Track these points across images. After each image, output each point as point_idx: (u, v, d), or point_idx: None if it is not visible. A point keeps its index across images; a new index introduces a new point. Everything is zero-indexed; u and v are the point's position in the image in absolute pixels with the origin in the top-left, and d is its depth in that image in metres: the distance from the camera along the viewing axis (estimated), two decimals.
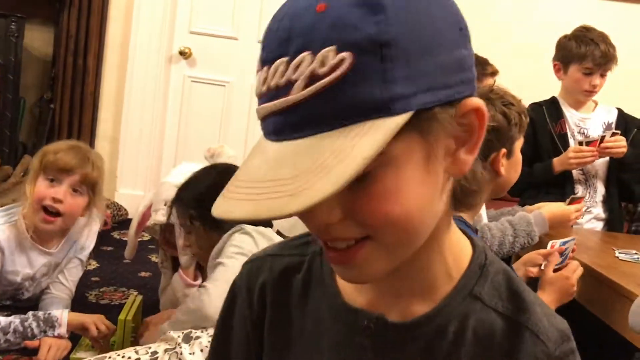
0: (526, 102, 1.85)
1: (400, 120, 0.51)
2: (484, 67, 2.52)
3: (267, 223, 1.81)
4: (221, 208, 0.54)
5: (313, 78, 0.51)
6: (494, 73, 2.55)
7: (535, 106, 2.66)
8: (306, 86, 0.51)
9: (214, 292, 1.57)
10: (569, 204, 2.11)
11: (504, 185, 1.55)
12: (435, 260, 0.64)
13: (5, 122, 3.56)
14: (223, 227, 1.70)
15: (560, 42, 2.64)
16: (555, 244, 1.76)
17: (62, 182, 2.03)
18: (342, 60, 0.50)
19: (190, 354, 1.52)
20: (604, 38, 2.55)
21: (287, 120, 0.53)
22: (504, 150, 1.47)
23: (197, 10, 3.85)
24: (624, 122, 2.70)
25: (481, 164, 1.45)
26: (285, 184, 0.50)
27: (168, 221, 2.08)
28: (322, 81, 0.51)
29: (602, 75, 2.57)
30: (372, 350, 0.65)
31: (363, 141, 0.50)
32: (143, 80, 3.81)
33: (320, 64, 0.51)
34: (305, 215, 0.55)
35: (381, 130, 0.51)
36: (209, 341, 1.48)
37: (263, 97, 0.55)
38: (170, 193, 2.14)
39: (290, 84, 0.52)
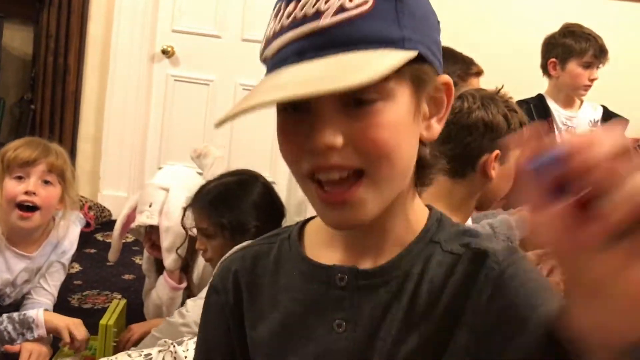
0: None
1: (409, 54, 0.62)
2: (469, 66, 2.50)
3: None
4: (274, 93, 0.61)
5: (341, 10, 0.61)
6: (479, 73, 2.53)
7: (523, 104, 2.66)
8: (334, 15, 0.61)
9: (192, 310, 1.61)
10: None
11: (493, 194, 1.51)
12: (401, 218, 0.72)
13: None
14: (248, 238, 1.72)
15: (553, 40, 2.64)
16: None
17: (30, 175, 1.98)
18: (365, 1, 0.61)
19: (184, 351, 1.52)
20: (595, 34, 2.59)
21: (312, 43, 0.61)
22: (497, 152, 1.44)
23: (179, 8, 3.81)
24: (609, 120, 2.71)
25: (472, 166, 1.44)
26: (329, 74, 0.59)
27: (151, 223, 2.06)
28: (350, 12, 0.61)
29: (597, 69, 2.60)
30: (349, 299, 0.71)
31: (384, 58, 0.61)
32: (125, 80, 3.76)
33: (348, 0, 0.61)
34: (311, 137, 0.63)
35: (396, 56, 0.61)
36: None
37: (283, 29, 0.63)
38: (156, 195, 2.12)
39: (319, 13, 0.61)
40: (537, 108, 2.64)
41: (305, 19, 0.62)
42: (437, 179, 0.85)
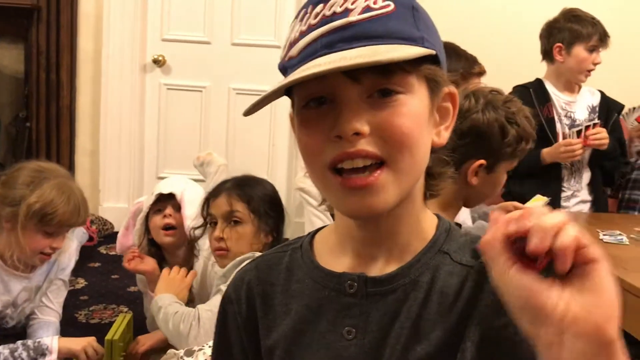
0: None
1: (429, 51, 0.67)
2: (472, 65, 2.48)
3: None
4: (313, 69, 0.63)
5: (367, 9, 0.66)
6: (481, 73, 2.51)
7: (522, 89, 2.66)
8: (361, 13, 0.66)
9: (204, 326, 1.61)
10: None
11: (476, 198, 1.50)
12: (410, 225, 0.74)
13: None
14: (279, 237, 1.78)
15: (558, 25, 2.64)
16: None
17: (60, 233, 1.99)
18: (388, 4, 0.67)
19: None
20: (597, 18, 2.62)
21: (342, 36, 0.66)
22: (481, 162, 1.40)
23: (168, 17, 3.81)
24: (606, 105, 2.72)
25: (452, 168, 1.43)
26: (365, 54, 0.64)
27: (171, 191, 2.14)
28: (375, 11, 0.66)
29: (599, 53, 2.62)
30: (358, 306, 0.73)
31: (410, 48, 0.66)
32: (118, 91, 3.77)
33: (373, 2, 0.66)
34: (338, 124, 0.66)
35: (419, 49, 0.66)
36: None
37: (311, 27, 0.67)
38: (175, 183, 2.19)
39: (347, 11, 0.66)
40: (536, 93, 2.64)
41: (334, 16, 0.66)
42: None
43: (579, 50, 2.60)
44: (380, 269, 0.74)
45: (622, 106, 2.76)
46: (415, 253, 0.73)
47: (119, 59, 3.74)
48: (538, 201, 2.06)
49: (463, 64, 2.43)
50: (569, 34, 2.61)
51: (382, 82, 0.66)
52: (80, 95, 3.80)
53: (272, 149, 3.92)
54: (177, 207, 2.16)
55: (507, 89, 1.92)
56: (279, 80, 0.68)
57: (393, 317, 0.71)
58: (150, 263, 2.14)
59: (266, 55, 3.79)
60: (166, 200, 2.18)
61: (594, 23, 2.60)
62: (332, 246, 0.78)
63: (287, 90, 0.71)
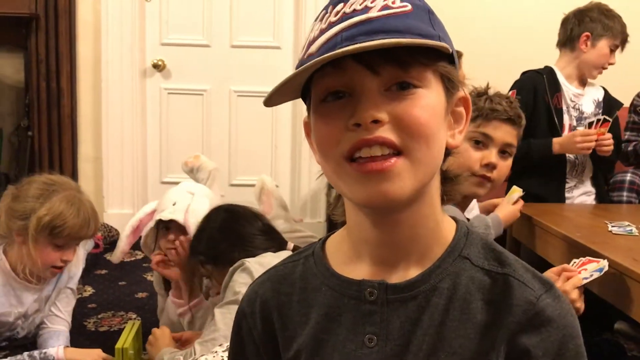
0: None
1: (446, 46, 0.67)
2: None
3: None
4: (337, 51, 0.64)
5: (386, 7, 0.67)
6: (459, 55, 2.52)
7: (535, 74, 2.65)
8: (381, 11, 0.67)
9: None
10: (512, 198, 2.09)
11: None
12: (428, 230, 0.73)
13: None
14: (233, 260, 1.70)
15: (591, 15, 2.62)
16: (585, 268, 1.61)
17: (71, 245, 2.00)
18: (405, 5, 0.68)
19: None
20: None
21: (363, 30, 0.66)
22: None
23: (166, 21, 3.80)
24: (608, 102, 2.71)
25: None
26: (388, 39, 0.64)
27: (172, 217, 2.01)
28: (394, 9, 0.67)
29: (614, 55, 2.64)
30: (379, 313, 0.72)
31: (428, 41, 0.66)
32: (119, 97, 3.76)
33: (392, 2, 0.68)
34: (357, 112, 0.67)
35: (437, 42, 0.67)
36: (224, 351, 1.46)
37: (332, 24, 0.68)
38: (181, 196, 2.07)
39: (367, 8, 0.67)
40: (549, 81, 2.63)
41: (354, 13, 0.67)
42: None
43: (603, 45, 2.60)
44: (400, 275, 0.73)
45: (621, 104, 2.76)
46: (435, 258, 0.73)
47: (119, 65, 3.74)
48: (515, 193, 2.09)
49: None
50: (601, 27, 2.60)
51: (400, 74, 0.67)
52: (81, 102, 3.79)
53: (274, 151, 3.92)
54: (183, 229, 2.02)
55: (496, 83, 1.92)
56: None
57: (414, 324, 0.71)
58: (174, 270, 2.09)
59: (266, 56, 3.78)
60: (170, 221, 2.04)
61: (623, 24, 2.61)
62: (347, 252, 0.77)
63: (303, 93, 0.72)
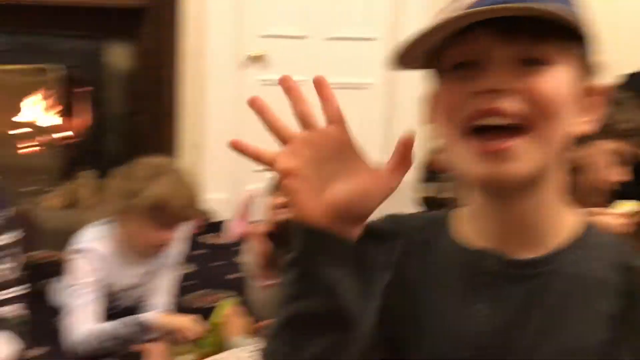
0: None
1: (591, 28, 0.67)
2: None
3: None
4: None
5: None
6: None
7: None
8: None
9: None
10: None
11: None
12: (550, 217, 0.72)
13: (103, 137, 3.77)
14: None
15: None
16: None
17: (174, 225, 2.10)
18: None
19: None
20: None
21: None
22: None
23: (265, 13, 3.90)
24: None
25: None
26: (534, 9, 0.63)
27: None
28: None
29: None
30: (496, 285, 0.72)
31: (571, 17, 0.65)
32: (220, 87, 3.89)
33: None
34: (481, 79, 0.66)
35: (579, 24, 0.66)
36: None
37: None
38: None
39: None
40: None
41: None
42: None
43: None
44: (522, 253, 0.72)
45: None
46: (558, 245, 0.72)
47: (220, 56, 3.87)
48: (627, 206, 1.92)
49: None
50: None
51: (535, 46, 0.66)
52: (185, 91, 3.95)
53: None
54: None
55: None
56: (387, 66, 0.71)
57: (530, 303, 0.70)
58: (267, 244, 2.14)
59: (363, 48, 3.81)
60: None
61: None
62: (473, 224, 0.76)
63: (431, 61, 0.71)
